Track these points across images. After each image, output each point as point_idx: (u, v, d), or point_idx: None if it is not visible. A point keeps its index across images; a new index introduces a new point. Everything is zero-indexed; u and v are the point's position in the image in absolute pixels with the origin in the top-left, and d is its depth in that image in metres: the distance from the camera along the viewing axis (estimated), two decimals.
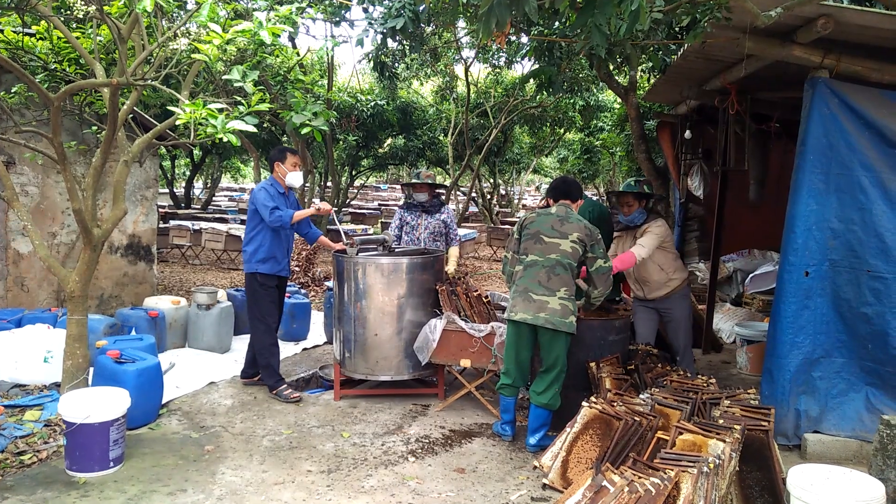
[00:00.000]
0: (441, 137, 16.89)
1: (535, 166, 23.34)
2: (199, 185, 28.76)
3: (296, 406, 4.90)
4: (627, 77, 7.83)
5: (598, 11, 2.26)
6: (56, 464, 3.80)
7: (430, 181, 5.85)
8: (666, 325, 5.10)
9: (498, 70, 14.45)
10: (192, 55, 3.58)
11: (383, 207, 24.03)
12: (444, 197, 6.00)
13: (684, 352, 5.05)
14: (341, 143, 12.50)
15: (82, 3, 3.27)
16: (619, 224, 5.07)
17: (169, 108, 3.45)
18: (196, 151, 17.63)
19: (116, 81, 3.68)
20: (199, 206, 20.55)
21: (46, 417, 4.37)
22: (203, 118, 3.05)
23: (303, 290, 7.63)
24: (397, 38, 4.05)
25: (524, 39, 7.62)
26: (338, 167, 13.74)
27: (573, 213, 4.29)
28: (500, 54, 12.21)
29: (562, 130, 17.48)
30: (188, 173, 22.10)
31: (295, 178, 5.11)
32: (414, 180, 5.91)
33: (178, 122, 3.15)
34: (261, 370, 5.17)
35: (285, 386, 5.07)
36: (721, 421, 3.51)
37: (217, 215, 16.20)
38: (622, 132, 13.21)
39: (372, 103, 13.39)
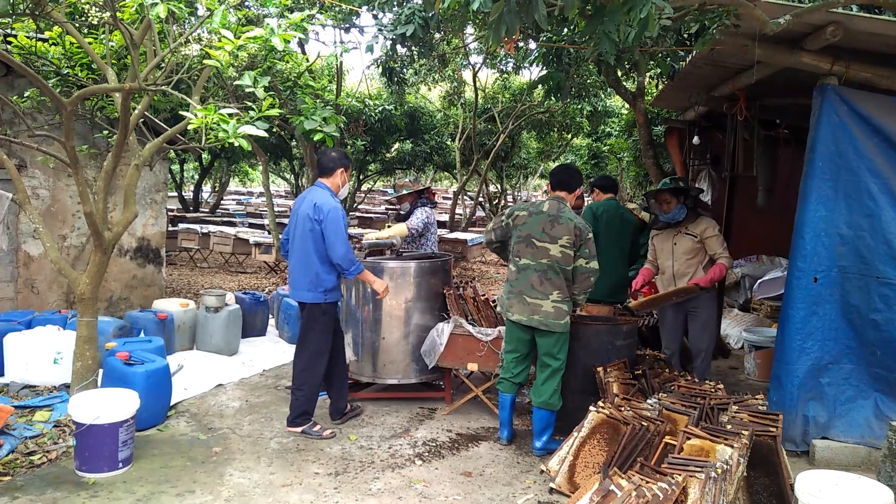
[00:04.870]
0: (448, 142, 16.92)
1: (543, 171, 23.34)
2: (207, 188, 28.85)
3: None
4: (635, 83, 7.84)
5: (607, 19, 2.28)
6: (65, 464, 3.83)
7: (404, 191, 5.78)
8: (690, 324, 5.07)
9: (506, 76, 14.48)
10: (204, 61, 3.61)
11: (390, 211, 24.07)
12: (422, 200, 5.89)
13: (705, 355, 5.03)
14: (349, 147, 12.55)
15: (97, 9, 3.31)
16: (660, 223, 5.07)
17: (180, 112, 3.48)
18: (205, 155, 17.71)
19: (129, 86, 3.72)
20: (207, 210, 20.62)
21: (56, 418, 4.40)
22: (214, 123, 3.08)
23: None
24: (407, 44, 4.09)
25: (532, 46, 7.65)
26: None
27: (565, 211, 4.17)
28: (508, 60, 12.24)
29: (569, 136, 17.48)
30: (197, 177, 22.20)
31: (345, 191, 4.59)
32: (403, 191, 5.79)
33: (190, 127, 3.18)
34: (296, 401, 4.43)
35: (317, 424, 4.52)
36: (729, 426, 3.51)
37: (225, 219, 16.26)
38: (630, 137, 13.21)
39: (380, 108, 13.43)
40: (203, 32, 3.81)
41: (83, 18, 4.27)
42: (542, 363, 4.23)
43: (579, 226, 4.10)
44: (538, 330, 4.18)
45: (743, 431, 3.38)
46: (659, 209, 5.02)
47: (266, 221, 15.38)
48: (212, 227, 12.84)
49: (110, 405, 3.70)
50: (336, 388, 4.65)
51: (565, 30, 5.04)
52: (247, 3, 4.37)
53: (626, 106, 12.00)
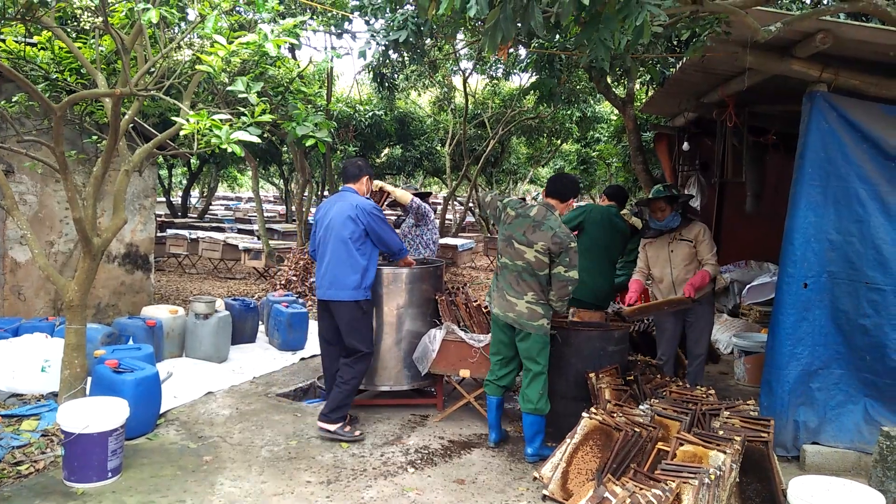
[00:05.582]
0: (438, 148, 16.95)
1: (532, 177, 23.42)
2: (195, 193, 28.73)
3: (294, 416, 4.88)
4: (625, 89, 7.89)
5: (602, 26, 2.29)
6: (53, 474, 3.78)
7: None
8: (688, 331, 5.11)
9: (495, 81, 14.53)
10: (196, 66, 3.59)
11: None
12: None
13: (701, 360, 5.09)
14: (339, 153, 12.55)
15: (89, 14, 3.29)
16: (651, 230, 5.09)
17: (172, 118, 3.45)
18: (193, 160, 17.64)
19: (120, 92, 3.69)
20: (195, 215, 20.52)
21: (44, 427, 4.34)
22: (207, 129, 3.06)
23: (300, 300, 7.62)
24: (399, 50, 4.09)
25: (522, 52, 7.68)
26: (335, 177, 13.86)
27: (551, 218, 4.15)
28: (498, 66, 12.28)
29: (559, 141, 17.56)
30: (185, 182, 22.11)
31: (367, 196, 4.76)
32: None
33: (182, 133, 3.15)
34: (339, 395, 4.46)
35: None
36: (721, 432, 3.52)
37: (214, 224, 16.17)
38: (619, 143, 13.29)
39: (370, 113, 13.43)
40: (194, 37, 3.79)
41: (75, 23, 4.23)
42: (525, 367, 4.28)
43: (560, 234, 4.07)
44: (518, 332, 4.22)
45: (735, 437, 3.40)
46: (651, 217, 5.04)
47: (255, 227, 15.33)
48: (200, 233, 12.76)
49: (99, 414, 3.66)
50: None
51: (557, 36, 5.06)
52: (238, 9, 4.35)
53: (615, 112, 12.07)
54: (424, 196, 6.13)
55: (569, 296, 4.20)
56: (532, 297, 4.15)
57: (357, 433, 4.49)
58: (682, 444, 3.36)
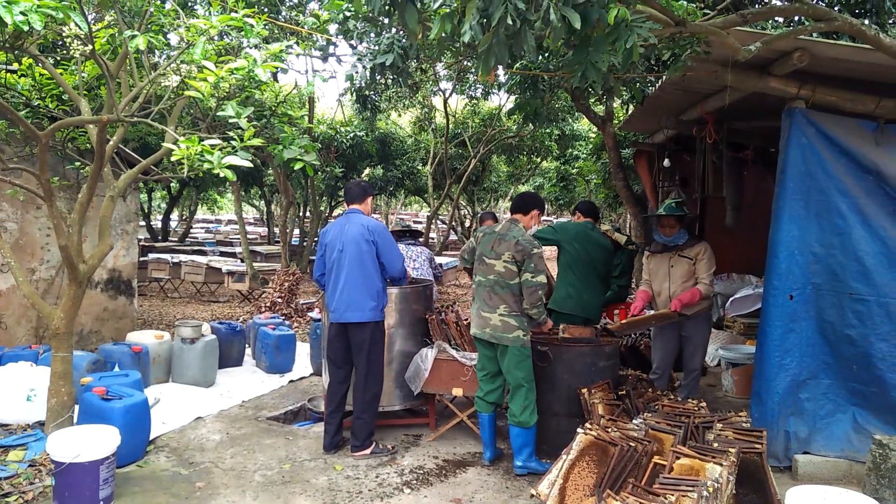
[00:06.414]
0: (420, 167, 17.04)
1: (513, 194, 23.60)
2: (174, 216, 28.51)
3: (285, 440, 4.84)
4: (604, 107, 8.01)
5: (592, 49, 2.35)
6: None
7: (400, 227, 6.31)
8: (685, 346, 5.18)
9: (475, 101, 14.68)
10: (185, 92, 3.59)
11: None
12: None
13: (696, 375, 5.17)
14: (321, 174, 12.57)
15: (79, 42, 3.29)
16: (656, 244, 5.18)
17: (155, 143, 3.45)
18: (173, 184, 17.54)
19: (107, 118, 3.68)
20: (176, 239, 20.35)
21: (31, 457, 4.26)
22: (198, 154, 3.06)
23: (286, 322, 7.57)
24: (385, 73, 4.15)
25: (501, 72, 7.78)
26: (317, 198, 13.88)
27: (514, 229, 4.32)
28: (477, 86, 12.41)
29: (538, 159, 17.74)
30: (164, 206, 21.95)
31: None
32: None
33: (172, 158, 3.15)
34: (363, 425, 4.54)
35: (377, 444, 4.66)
36: (716, 444, 3.55)
37: (195, 247, 16.04)
38: (598, 160, 13.46)
39: (351, 134, 13.49)
40: (181, 63, 3.79)
41: (64, 51, 4.22)
42: (507, 381, 4.33)
43: (522, 242, 4.22)
44: (498, 346, 4.29)
45: (730, 449, 3.43)
46: (659, 231, 5.15)
47: (238, 249, 15.23)
48: (183, 257, 12.64)
49: (90, 442, 3.60)
50: (340, 421, 4.66)
51: (540, 57, 5.14)
52: (223, 34, 4.37)
53: (594, 129, 12.24)
54: (415, 234, 6.31)
55: (540, 301, 4.26)
56: (504, 310, 4.23)
57: (390, 446, 4.63)
58: (678, 458, 3.38)
